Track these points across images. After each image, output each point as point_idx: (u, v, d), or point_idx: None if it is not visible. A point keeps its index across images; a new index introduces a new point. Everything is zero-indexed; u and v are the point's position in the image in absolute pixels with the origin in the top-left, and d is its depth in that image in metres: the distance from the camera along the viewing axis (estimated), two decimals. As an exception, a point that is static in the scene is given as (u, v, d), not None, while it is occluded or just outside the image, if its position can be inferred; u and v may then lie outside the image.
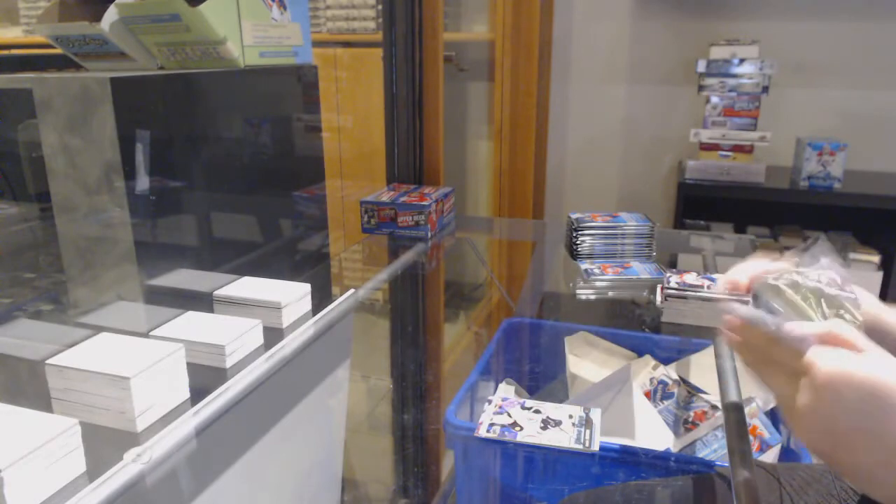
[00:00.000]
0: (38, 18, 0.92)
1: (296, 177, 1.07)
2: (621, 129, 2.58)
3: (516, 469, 0.92)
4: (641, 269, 1.21)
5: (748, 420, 0.98)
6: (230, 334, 0.73)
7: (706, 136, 2.20)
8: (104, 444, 0.58)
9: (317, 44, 2.14)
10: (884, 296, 2.07)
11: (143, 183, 0.74)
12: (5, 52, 2.80)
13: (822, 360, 0.44)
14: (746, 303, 0.54)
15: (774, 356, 0.49)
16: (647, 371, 1.17)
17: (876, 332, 0.52)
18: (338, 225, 1.60)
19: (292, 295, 0.85)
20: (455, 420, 0.93)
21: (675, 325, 1.12)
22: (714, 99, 2.16)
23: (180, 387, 0.66)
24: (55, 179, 0.73)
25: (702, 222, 2.37)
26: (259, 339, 0.78)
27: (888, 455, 0.42)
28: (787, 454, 1.06)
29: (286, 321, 0.84)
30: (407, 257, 1.32)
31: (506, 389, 1.19)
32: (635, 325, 1.29)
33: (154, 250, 0.76)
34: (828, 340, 0.46)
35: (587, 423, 0.85)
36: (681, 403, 1.10)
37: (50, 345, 0.66)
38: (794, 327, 0.47)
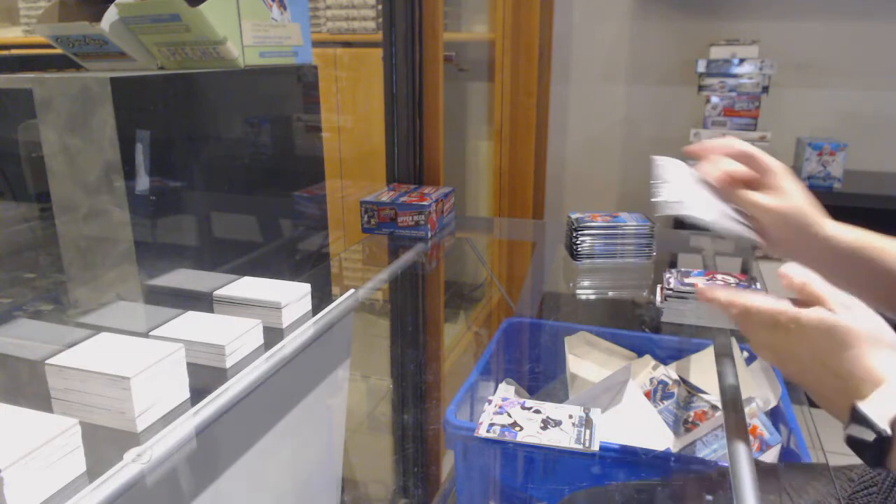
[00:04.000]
0: (38, 18, 0.92)
1: (296, 177, 1.07)
2: (621, 129, 2.58)
3: (516, 469, 0.92)
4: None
5: (748, 420, 0.98)
6: (230, 334, 0.73)
7: (706, 136, 2.20)
8: (104, 444, 0.58)
9: (317, 44, 2.14)
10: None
11: (143, 183, 0.74)
12: (5, 52, 2.80)
13: (807, 311, 0.58)
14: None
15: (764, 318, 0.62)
16: (647, 371, 1.17)
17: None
18: (338, 225, 1.60)
19: (292, 295, 0.85)
20: (455, 420, 0.93)
21: (675, 325, 1.12)
22: (714, 99, 2.16)
23: (180, 387, 0.66)
24: (55, 179, 0.73)
25: (702, 222, 2.36)
26: (259, 339, 0.78)
27: (834, 381, 0.55)
28: (787, 454, 1.06)
29: (286, 321, 0.83)
30: (407, 257, 1.32)
31: (506, 389, 1.19)
32: (635, 325, 1.29)
33: (154, 250, 0.76)
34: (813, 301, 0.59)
35: (587, 423, 0.85)
36: (681, 403, 1.10)
37: (50, 345, 0.66)
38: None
